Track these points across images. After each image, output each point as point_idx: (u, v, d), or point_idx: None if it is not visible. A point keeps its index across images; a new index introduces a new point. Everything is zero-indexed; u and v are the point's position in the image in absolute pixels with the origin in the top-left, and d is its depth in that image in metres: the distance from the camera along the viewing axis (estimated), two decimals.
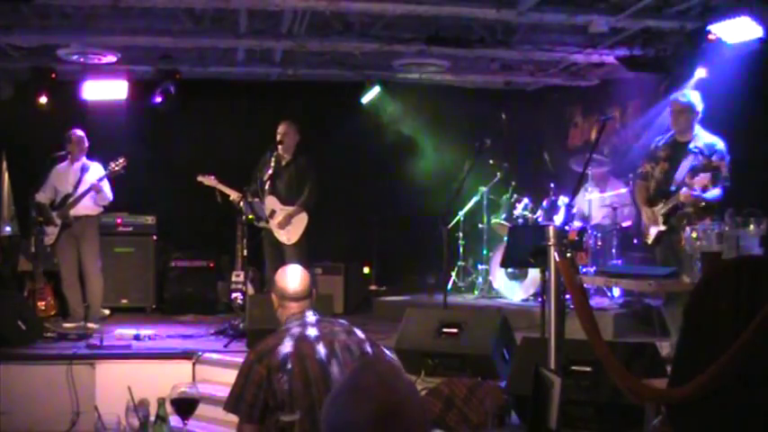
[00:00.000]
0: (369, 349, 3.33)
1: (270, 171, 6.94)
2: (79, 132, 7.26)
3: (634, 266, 6.32)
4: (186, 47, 7.61)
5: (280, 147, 7.08)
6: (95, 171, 7.20)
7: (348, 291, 8.48)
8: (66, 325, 6.88)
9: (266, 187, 6.98)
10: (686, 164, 5.29)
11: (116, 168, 7.08)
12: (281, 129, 7.13)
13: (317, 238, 7.24)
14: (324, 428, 1.50)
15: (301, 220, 7.04)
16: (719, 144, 5.29)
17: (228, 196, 6.96)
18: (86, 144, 7.26)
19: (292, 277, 3.39)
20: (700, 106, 5.40)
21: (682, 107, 5.38)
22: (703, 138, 5.34)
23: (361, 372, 1.54)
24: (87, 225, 7.17)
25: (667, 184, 5.38)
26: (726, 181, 5.18)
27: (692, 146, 5.32)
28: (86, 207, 7.13)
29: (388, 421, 1.43)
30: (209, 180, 7.05)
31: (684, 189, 5.16)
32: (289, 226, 7.01)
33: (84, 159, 7.25)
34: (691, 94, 5.48)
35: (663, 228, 5.38)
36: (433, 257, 7.59)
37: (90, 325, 6.79)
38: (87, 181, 7.10)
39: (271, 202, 7.05)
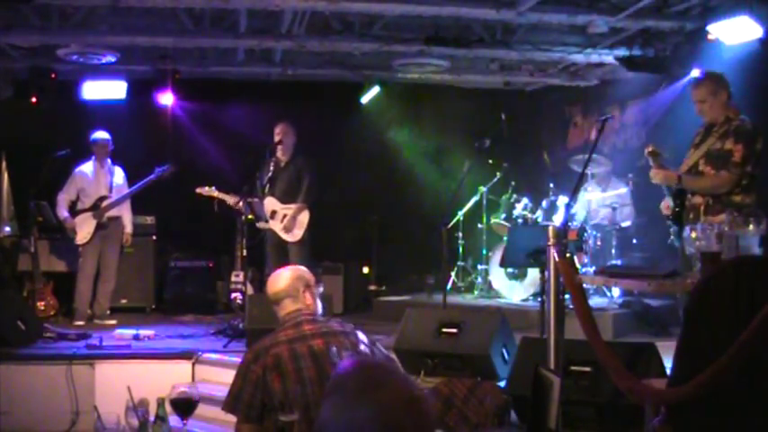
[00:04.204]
0: (365, 350, 3.32)
1: (269, 174, 6.98)
2: (105, 135, 7.37)
3: (634, 266, 6.31)
4: (186, 47, 7.61)
5: (278, 148, 7.09)
6: (119, 173, 7.48)
7: (348, 290, 8.48)
8: (78, 323, 7.07)
9: (266, 189, 7.02)
10: (704, 147, 4.62)
11: (165, 175, 7.29)
12: (278, 129, 7.13)
13: (317, 238, 7.23)
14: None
15: (304, 218, 7.06)
16: (746, 126, 4.51)
17: (226, 203, 6.94)
18: (112, 147, 7.42)
19: (273, 279, 3.43)
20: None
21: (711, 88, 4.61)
22: (735, 121, 4.58)
23: (344, 373, 1.53)
24: (117, 226, 7.42)
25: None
26: (735, 167, 4.43)
27: (715, 128, 4.63)
28: (118, 209, 7.41)
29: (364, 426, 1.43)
30: (209, 191, 7.04)
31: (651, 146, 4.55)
32: (294, 225, 7.04)
33: (109, 162, 7.44)
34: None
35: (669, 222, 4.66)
36: (432, 257, 7.59)
37: (107, 322, 7.15)
38: (117, 183, 7.37)
39: (270, 203, 7.06)
